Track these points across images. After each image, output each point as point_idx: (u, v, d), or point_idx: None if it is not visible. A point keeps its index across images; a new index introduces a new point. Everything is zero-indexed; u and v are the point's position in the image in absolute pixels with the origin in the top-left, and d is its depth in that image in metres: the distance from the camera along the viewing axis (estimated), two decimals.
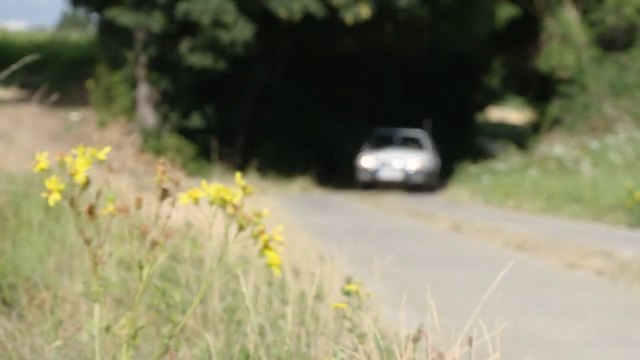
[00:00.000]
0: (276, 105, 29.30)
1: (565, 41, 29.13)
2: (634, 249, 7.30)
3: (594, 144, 19.64)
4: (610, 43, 30.48)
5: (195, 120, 24.15)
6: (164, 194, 1.49)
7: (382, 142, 24.42)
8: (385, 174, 22.78)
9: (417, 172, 22.85)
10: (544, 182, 16.34)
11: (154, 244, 1.74)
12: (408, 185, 22.81)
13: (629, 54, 30.29)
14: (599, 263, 6.22)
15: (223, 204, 1.42)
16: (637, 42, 31.12)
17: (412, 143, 24.76)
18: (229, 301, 3.32)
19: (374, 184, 22.75)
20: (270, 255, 1.41)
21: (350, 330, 3.17)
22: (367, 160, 23.04)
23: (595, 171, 15.50)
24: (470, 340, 2.54)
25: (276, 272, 1.54)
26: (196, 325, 2.97)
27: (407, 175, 22.68)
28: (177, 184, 1.70)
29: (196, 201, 1.42)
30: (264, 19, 22.82)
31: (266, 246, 1.41)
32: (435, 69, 37.35)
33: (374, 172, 22.69)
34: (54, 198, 1.46)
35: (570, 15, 29.83)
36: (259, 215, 1.50)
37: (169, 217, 1.69)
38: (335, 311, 3.23)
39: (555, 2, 29.83)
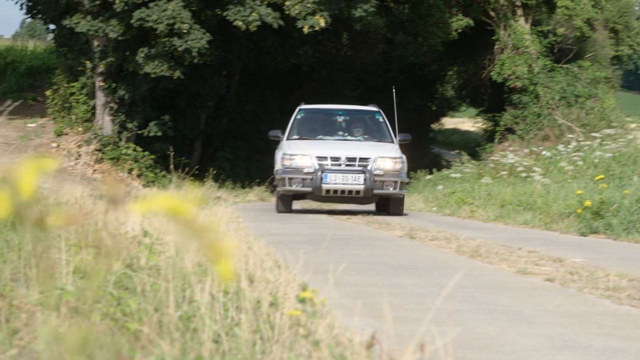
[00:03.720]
0: (233, 113, 29.29)
1: (517, 52, 29.43)
2: (583, 256, 7.43)
3: (545, 152, 19.87)
4: (561, 53, 30.84)
5: (153, 129, 24.08)
6: (117, 204, 1.53)
7: (316, 126, 16.10)
8: (334, 181, 14.50)
9: (388, 175, 14.54)
10: (497, 190, 16.52)
11: (109, 252, 1.77)
12: (370, 199, 15.08)
13: (579, 64, 30.67)
14: (550, 270, 6.32)
15: (177, 214, 1.46)
16: (587, 53, 31.53)
17: (366, 128, 16.27)
18: (185, 309, 3.34)
19: (316, 196, 14.88)
20: (222, 266, 1.45)
21: (305, 337, 3.22)
22: (297, 158, 14.70)
23: (547, 179, 15.70)
24: (422, 347, 2.60)
25: (228, 283, 1.58)
26: (151, 333, 3.00)
27: (371, 183, 14.43)
28: (133, 194, 1.74)
29: (150, 212, 1.46)
30: (221, 28, 22.84)
31: (219, 257, 1.45)
32: (391, 78, 37.53)
33: (316, 179, 14.43)
34: (2, 211, 1.48)
35: (522, 26, 30.17)
36: (213, 225, 1.54)
37: (124, 226, 1.73)
38: (290, 318, 3.27)
39: (508, 13, 30.13)
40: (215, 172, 23.21)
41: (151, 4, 21.14)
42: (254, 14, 21.32)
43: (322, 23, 21.68)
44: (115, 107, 23.64)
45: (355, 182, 14.47)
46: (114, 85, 23.33)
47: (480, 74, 33.12)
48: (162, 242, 4.79)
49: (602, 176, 13.22)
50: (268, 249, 6.17)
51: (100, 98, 23.76)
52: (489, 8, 30.06)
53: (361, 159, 14.62)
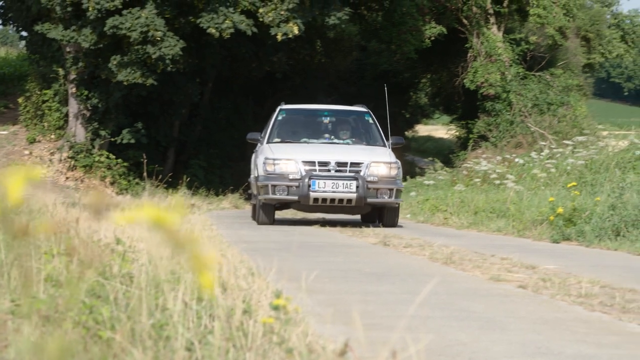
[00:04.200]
0: (207, 121, 29.25)
1: (490, 59, 29.59)
2: (556, 263, 7.47)
3: (518, 160, 19.97)
4: (533, 61, 31.04)
5: (126, 137, 24.00)
6: (96, 213, 1.52)
7: (299, 128, 14.76)
8: (323, 189, 13.08)
9: (383, 182, 13.20)
10: (471, 197, 16.58)
11: (82, 260, 1.77)
12: (362, 209, 13.68)
13: (551, 72, 30.86)
14: (522, 276, 6.35)
15: (161, 225, 1.46)
16: (559, 61, 31.73)
17: (354, 130, 14.92)
18: (158, 317, 3.33)
19: (302, 205, 13.48)
20: (204, 277, 1.45)
21: (279, 344, 3.22)
22: (281, 164, 13.30)
23: (520, 187, 15.77)
24: (394, 354, 2.61)
25: (210, 293, 1.58)
26: (124, 342, 2.99)
27: (364, 190, 13.02)
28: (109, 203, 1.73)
29: (131, 222, 1.46)
30: (194, 35, 22.82)
31: (201, 268, 1.45)
32: (365, 85, 37.60)
33: (302, 186, 13.02)
34: None
35: (495, 34, 30.34)
36: (195, 236, 1.54)
37: (97, 233, 1.73)
38: (263, 326, 3.26)
39: (481, 21, 30.29)
40: (188, 179, 23.13)
41: (124, 12, 21.09)
42: (227, 22, 21.31)
43: (296, 30, 21.70)
44: (88, 114, 23.54)
45: (346, 189, 13.09)
46: (86, 92, 23.24)
47: (453, 82, 33.25)
48: (135, 250, 4.77)
49: (574, 183, 13.30)
50: (242, 257, 6.17)
51: (73, 105, 23.66)
52: (462, 16, 30.20)
53: (353, 164, 13.27)
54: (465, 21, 30.22)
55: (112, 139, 23.84)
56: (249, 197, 16.89)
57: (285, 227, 13.42)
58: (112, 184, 23.10)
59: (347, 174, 13.18)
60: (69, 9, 21.34)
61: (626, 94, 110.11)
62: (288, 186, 13.17)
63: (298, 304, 3.67)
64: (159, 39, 21.00)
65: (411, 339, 3.17)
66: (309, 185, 13.08)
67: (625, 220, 10.29)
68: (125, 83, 21.54)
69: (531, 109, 28.80)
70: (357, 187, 13.07)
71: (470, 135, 30.24)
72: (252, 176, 15.16)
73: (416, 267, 7.16)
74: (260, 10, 21.72)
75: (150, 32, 20.88)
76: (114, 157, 23.63)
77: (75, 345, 2.99)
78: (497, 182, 17.49)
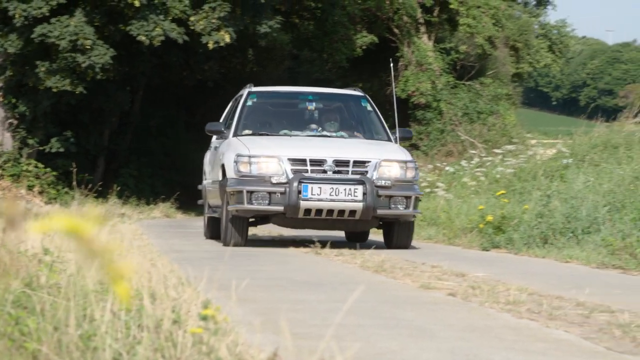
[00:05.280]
0: (138, 129, 29.03)
1: (421, 68, 29.85)
2: (485, 270, 7.55)
3: (449, 168, 20.16)
4: (463, 70, 31.39)
5: (55, 146, 23.70)
6: (15, 223, 1.50)
7: (274, 118, 11.79)
8: (318, 196, 9.96)
9: (397, 188, 10.22)
10: None
11: (7, 271, 1.74)
12: (369, 223, 10.47)
13: (481, 81, 31.25)
14: (452, 284, 6.41)
15: (77, 233, 1.44)
16: (489, 70, 32.15)
17: (349, 120, 11.90)
18: (86, 328, 3.30)
19: (289, 218, 10.17)
20: (120, 287, 1.44)
21: (208, 355, 3.20)
22: (261, 162, 10.22)
23: (450, 195, 15.92)
24: None
25: (125, 302, 1.57)
26: (50, 353, 2.95)
27: (374, 198, 9.96)
28: (33, 212, 1.71)
29: (48, 231, 1.44)
30: (124, 43, 22.63)
31: (117, 277, 1.44)
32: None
33: (290, 193, 9.91)
34: None
35: (425, 43, 30.61)
36: (112, 245, 1.52)
37: (24, 244, 1.70)
38: (192, 336, 3.25)
39: (411, 30, 30.53)
40: (119, 188, 22.92)
41: (53, 20, 20.84)
42: (157, 29, 21.18)
43: (227, 39, 21.65)
44: (16, 122, 23.20)
45: (349, 197, 9.93)
46: (14, 100, 22.91)
47: (384, 90, 33.46)
48: (64, 260, 4.71)
49: (503, 191, 13.46)
50: (172, 266, 6.13)
51: (0, 113, 23.30)
52: (393, 25, 30.42)
53: (357, 163, 10.19)
54: (396, 30, 30.44)
55: (41, 148, 23.53)
56: (203, 208, 13.01)
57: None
58: (40, 193, 22.78)
59: (350, 176, 10.09)
60: None
61: (554, 103, 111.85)
62: (270, 192, 10.00)
63: (228, 314, 3.66)
64: (88, 47, 20.79)
65: (340, 347, 3.18)
66: (299, 192, 9.91)
67: (552, 228, 10.45)
68: (54, 90, 21.27)
69: (461, 118, 29.11)
70: (364, 193, 9.95)
71: (402, 144, 30.44)
72: (206, 180, 12.51)
73: (347, 276, 7.18)
74: (192, 18, 21.63)
75: (79, 41, 20.66)
76: (42, 166, 23.32)
77: (0, 357, 2.94)
78: (428, 190, 17.63)
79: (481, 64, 31.44)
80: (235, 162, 10.21)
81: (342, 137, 11.26)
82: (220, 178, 10.85)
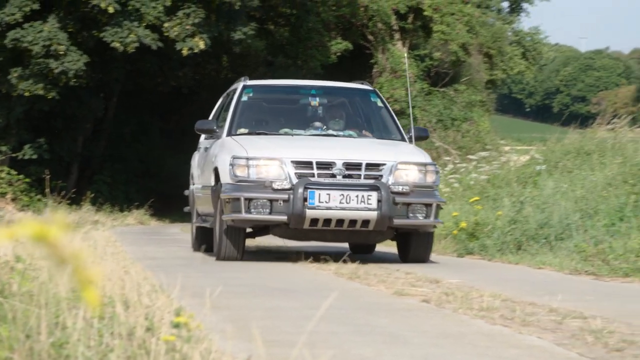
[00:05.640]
0: (112, 136, 28.92)
1: (395, 75, 29.93)
2: (459, 277, 7.58)
3: None
4: (437, 77, 31.51)
5: (28, 152, 23.58)
6: None
7: (273, 115, 10.78)
8: (326, 204, 8.92)
9: (416, 194, 9.19)
10: None
11: None
12: (382, 235, 9.38)
13: (455, 88, 31.38)
14: (426, 291, 6.43)
15: (44, 240, 1.44)
16: (463, 77, 32.29)
17: (356, 117, 10.80)
18: (58, 336, 3.28)
19: (293, 229, 9.09)
20: (89, 293, 1.43)
21: None
22: (261, 165, 9.14)
23: None
24: None
25: (94, 308, 1.57)
26: None
27: (390, 206, 8.93)
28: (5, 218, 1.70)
29: (15, 239, 1.43)
30: (98, 49, 22.55)
31: (85, 283, 1.43)
32: None
33: (294, 200, 8.86)
34: None
35: (400, 50, 30.70)
36: (80, 251, 1.52)
37: None
38: (166, 344, 3.24)
39: (386, 37, 30.61)
40: (92, 195, 22.84)
41: (26, 25, 20.74)
42: (131, 36, 21.12)
43: (202, 45, 21.62)
44: None
45: (362, 205, 8.90)
46: None
47: None
48: (36, 268, 4.69)
49: (477, 198, 13.51)
50: (146, 273, 6.11)
51: None
52: (368, 32, 30.49)
53: (370, 166, 9.15)
54: (370, 37, 30.52)
55: (14, 155, 23.39)
56: (191, 216, 11.53)
57: (190, 242, 13.28)
58: (13, 200, 22.65)
59: (362, 181, 9.06)
60: None
61: (527, 109, 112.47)
62: (271, 200, 8.92)
63: (201, 321, 3.65)
64: (62, 53, 20.71)
65: (313, 354, 3.18)
66: (305, 199, 8.84)
67: (526, 234, 10.50)
68: (26, 94, 21.16)
69: (435, 125, 29.21)
70: (379, 201, 8.90)
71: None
72: (194, 185, 11.37)
73: (321, 282, 7.18)
74: (166, 24, 21.59)
75: (53, 46, 20.57)
76: (15, 173, 23.19)
77: None
78: None
79: (455, 70, 31.58)
80: (231, 165, 9.10)
81: (350, 136, 10.14)
82: (213, 183, 9.72)
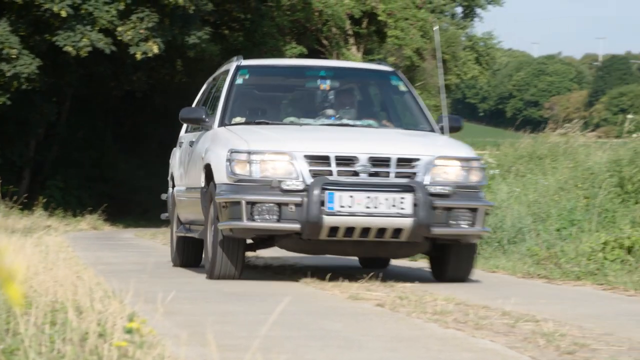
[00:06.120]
0: (64, 140, 28.69)
1: None
2: (413, 280, 7.60)
3: None
4: None
5: None
6: None
7: (275, 101, 9.23)
8: (349, 209, 7.10)
9: (459, 197, 7.40)
10: None
11: None
12: (417, 247, 7.67)
13: None
14: (381, 295, 6.44)
15: None
16: (417, 82, 32.45)
17: (374, 104, 9.23)
18: (9, 342, 3.25)
19: (307, 241, 7.28)
20: (10, 289, 1.41)
21: None
22: (266, 160, 7.26)
23: None
24: None
25: (17, 307, 1.55)
26: None
27: (427, 212, 7.13)
28: None
29: None
30: (51, 53, 22.36)
31: (7, 279, 1.41)
32: None
33: (309, 204, 7.00)
34: None
35: (354, 54, 30.78)
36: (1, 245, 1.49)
37: None
38: (118, 349, 3.22)
39: (340, 42, 30.68)
40: (45, 200, 22.61)
41: None
42: (84, 40, 20.97)
43: (155, 49, 21.52)
44: None
45: (393, 210, 7.20)
46: None
47: None
48: None
49: None
50: (98, 279, 6.07)
51: None
52: (322, 36, 30.55)
53: (402, 162, 7.44)
54: (325, 42, 30.58)
55: None
56: (171, 224, 9.90)
57: (145, 248, 13.20)
58: None
59: (393, 180, 7.33)
60: None
61: (481, 114, 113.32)
62: (280, 204, 7.16)
63: (154, 326, 3.63)
64: (14, 56, 20.51)
65: (267, 359, 3.17)
66: (322, 202, 7.10)
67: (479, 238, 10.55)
68: None
69: None
70: (415, 204, 7.19)
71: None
72: (175, 188, 9.52)
73: (276, 287, 7.17)
74: (119, 28, 21.46)
75: (4, 50, 20.37)
76: None
77: None
78: None
79: (409, 75, 31.73)
80: (229, 160, 7.29)
81: (369, 126, 8.44)
82: (203, 184, 7.97)
